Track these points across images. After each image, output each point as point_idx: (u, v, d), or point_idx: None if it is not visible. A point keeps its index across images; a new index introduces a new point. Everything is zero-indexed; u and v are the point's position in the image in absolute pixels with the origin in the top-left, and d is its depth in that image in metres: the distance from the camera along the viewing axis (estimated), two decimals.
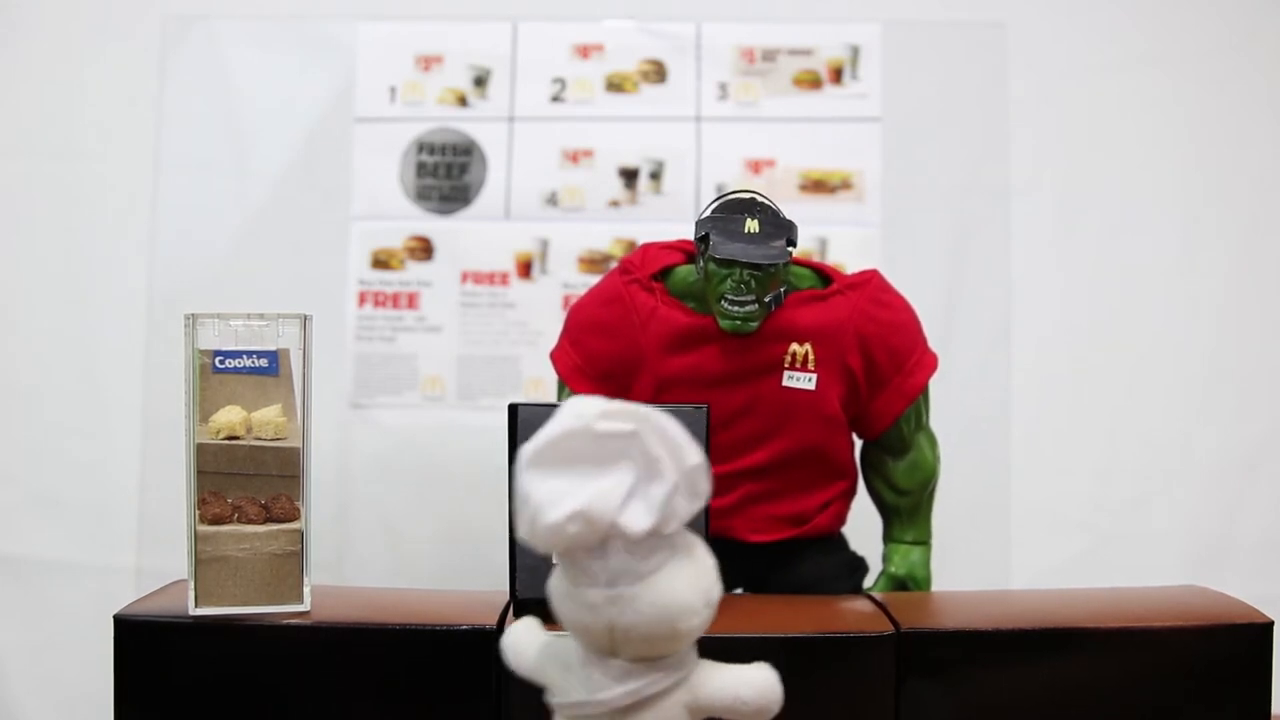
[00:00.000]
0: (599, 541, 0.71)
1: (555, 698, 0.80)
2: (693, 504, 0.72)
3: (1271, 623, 1.00)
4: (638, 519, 0.70)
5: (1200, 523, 1.74)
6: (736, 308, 1.10)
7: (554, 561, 0.81)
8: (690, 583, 0.74)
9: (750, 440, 1.15)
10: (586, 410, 0.71)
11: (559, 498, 0.70)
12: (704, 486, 0.73)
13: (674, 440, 0.71)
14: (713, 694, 0.77)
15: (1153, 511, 1.74)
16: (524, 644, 0.85)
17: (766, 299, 1.11)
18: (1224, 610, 1.03)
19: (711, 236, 1.09)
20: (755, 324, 1.11)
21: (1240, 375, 1.76)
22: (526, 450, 0.71)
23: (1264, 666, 1.00)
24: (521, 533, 0.72)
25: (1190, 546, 1.73)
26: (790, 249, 1.10)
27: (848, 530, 1.26)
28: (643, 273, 1.18)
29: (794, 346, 1.14)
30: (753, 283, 1.09)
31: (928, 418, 1.23)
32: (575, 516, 0.69)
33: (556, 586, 0.76)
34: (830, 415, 1.16)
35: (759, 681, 0.77)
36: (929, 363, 1.20)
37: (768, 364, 1.14)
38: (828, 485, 1.19)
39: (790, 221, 1.12)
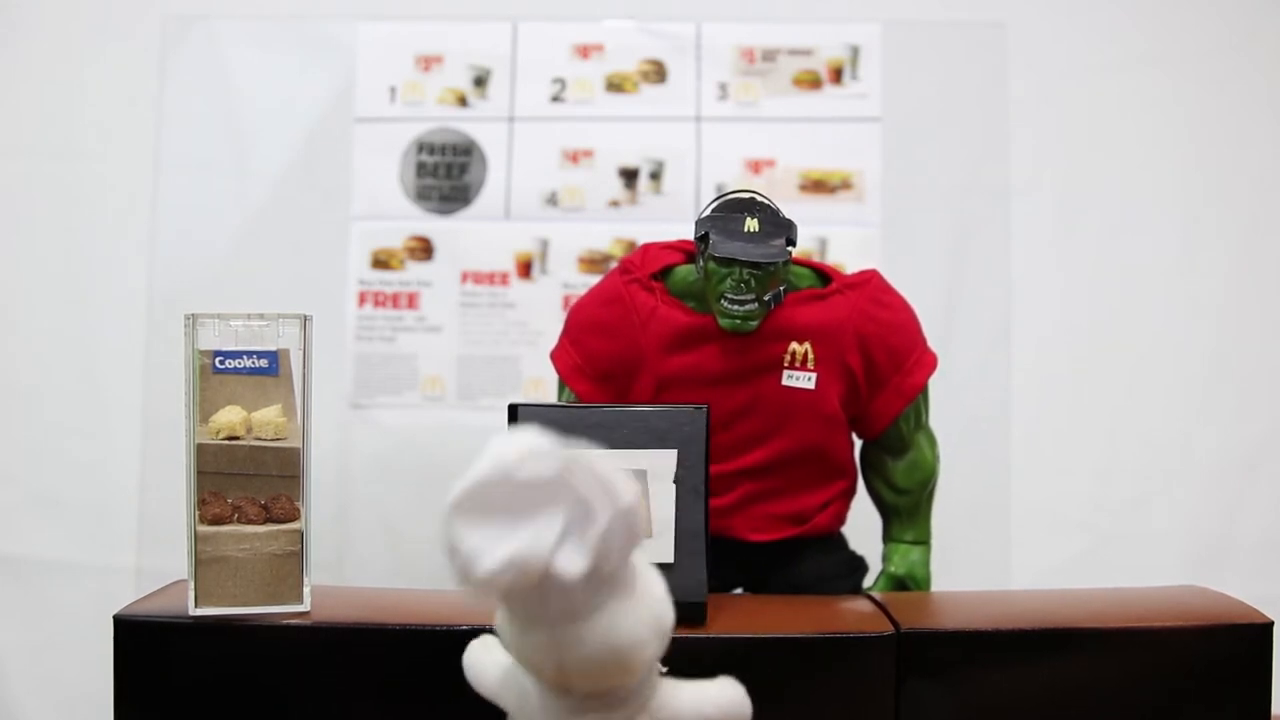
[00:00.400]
0: (535, 585, 0.68)
1: None
2: (630, 541, 0.69)
3: (1271, 623, 1.00)
4: (572, 562, 0.67)
5: (1200, 523, 1.74)
6: (736, 306, 1.10)
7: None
8: (636, 617, 0.71)
9: (750, 439, 1.15)
10: (506, 456, 0.68)
11: (489, 546, 0.66)
12: (640, 525, 0.69)
13: (605, 480, 0.68)
14: (675, 716, 0.75)
15: (1153, 511, 1.74)
16: (482, 665, 0.83)
17: (766, 298, 1.11)
18: (1224, 610, 1.03)
19: (711, 235, 1.09)
20: (755, 323, 1.11)
21: (1240, 375, 1.76)
22: (450, 498, 0.68)
23: (1264, 666, 1.00)
24: (455, 583, 0.68)
25: (1190, 546, 1.73)
26: (790, 248, 1.10)
27: (848, 530, 1.26)
28: (643, 272, 1.18)
29: (793, 345, 1.14)
30: (752, 281, 1.09)
31: (927, 417, 1.23)
32: (507, 566, 0.66)
33: (502, 625, 0.74)
34: (830, 414, 1.16)
35: (723, 699, 0.76)
36: (928, 362, 1.20)
37: (767, 363, 1.14)
38: (827, 484, 1.19)
39: (790, 220, 1.12)
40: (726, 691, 0.76)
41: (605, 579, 0.70)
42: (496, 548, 0.66)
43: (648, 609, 0.72)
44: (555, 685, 0.73)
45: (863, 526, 1.27)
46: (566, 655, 0.70)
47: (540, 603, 0.69)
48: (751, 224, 1.09)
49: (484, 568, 0.66)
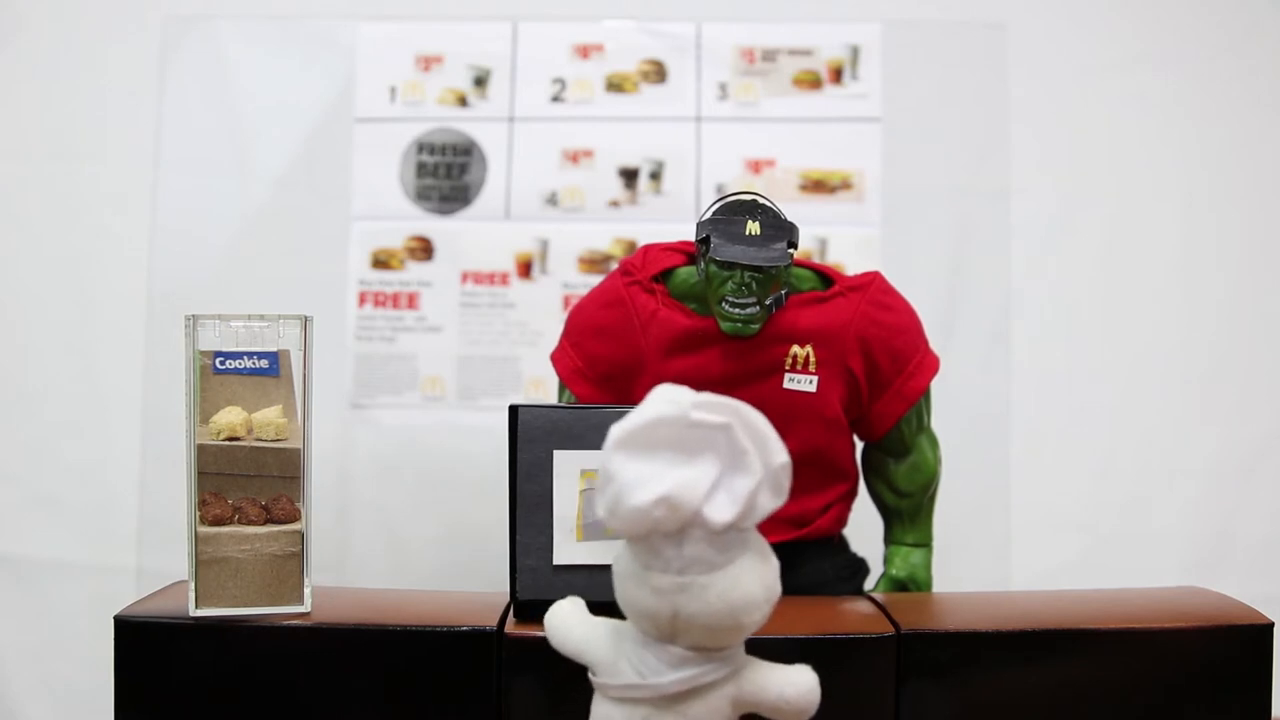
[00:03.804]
0: (678, 528, 0.72)
1: (601, 678, 0.80)
2: (775, 500, 0.73)
3: (1272, 623, 1.00)
4: (721, 510, 0.71)
5: (1200, 523, 1.74)
6: (737, 310, 1.09)
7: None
8: (758, 578, 0.75)
9: None
10: (682, 398, 0.72)
11: (646, 481, 0.70)
12: (786, 484, 0.74)
13: (763, 436, 0.72)
14: (758, 690, 0.78)
15: (1153, 511, 1.74)
16: (570, 622, 0.86)
17: (768, 301, 1.10)
18: (1224, 611, 1.03)
19: (712, 239, 1.08)
20: (756, 326, 1.11)
21: (1240, 375, 1.76)
22: (616, 430, 0.72)
23: (1264, 667, 1.00)
24: (600, 511, 0.73)
25: (1190, 546, 1.73)
26: (791, 250, 1.09)
27: (849, 531, 1.26)
28: (644, 274, 1.17)
29: (795, 349, 1.13)
30: (754, 285, 1.08)
31: (929, 419, 1.22)
32: (661, 502, 0.70)
33: (622, 568, 0.77)
34: (832, 418, 1.15)
35: (802, 683, 0.78)
36: (930, 365, 1.19)
37: (769, 366, 1.13)
38: (829, 487, 1.19)
39: (792, 224, 1.11)
40: (806, 678, 0.79)
41: (741, 534, 0.74)
42: (653, 483, 0.70)
43: (768, 573, 0.76)
44: (664, 635, 0.76)
45: (864, 527, 1.27)
46: (686, 604, 0.74)
47: (676, 546, 0.73)
48: (753, 227, 1.08)
49: (637, 500, 0.70)
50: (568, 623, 0.86)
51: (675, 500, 0.70)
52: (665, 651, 0.77)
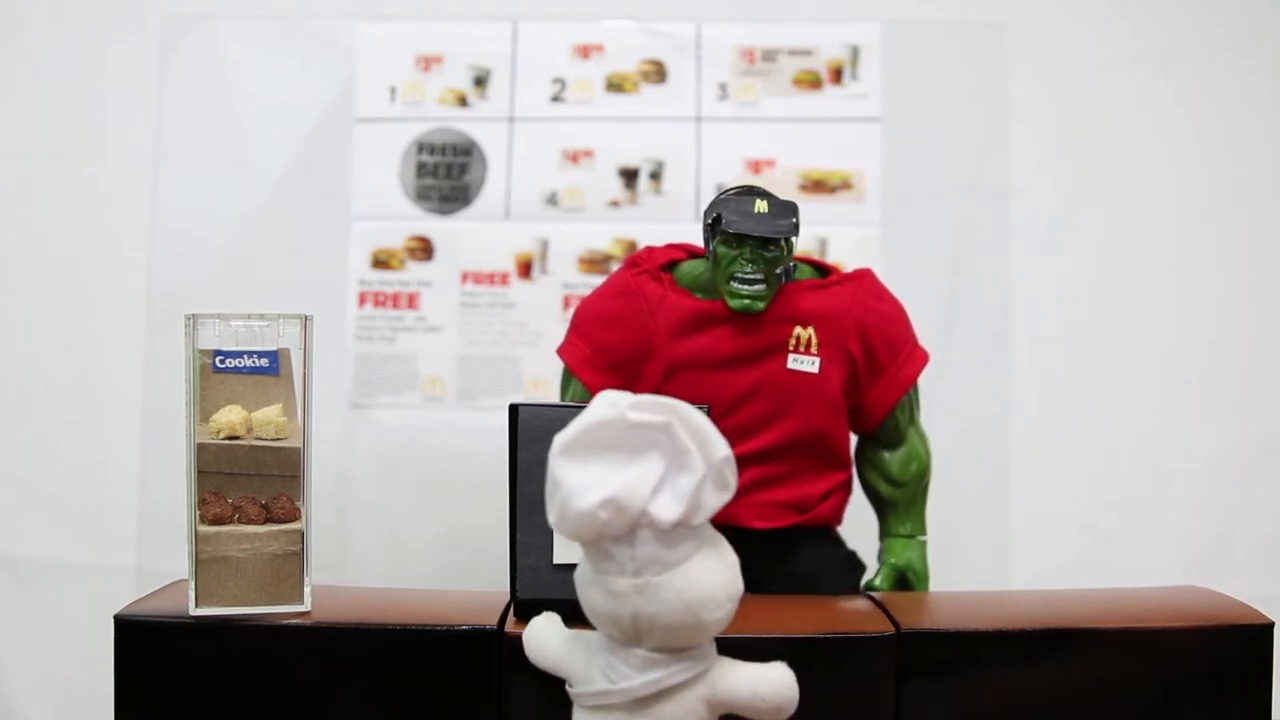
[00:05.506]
0: (627, 530, 0.72)
1: (576, 687, 0.80)
2: (720, 496, 0.74)
3: (1272, 623, 1.00)
4: (667, 509, 0.72)
5: (1200, 523, 1.74)
6: (745, 287, 1.13)
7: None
8: (715, 575, 0.75)
9: (757, 423, 1.16)
10: (620, 400, 0.73)
11: (590, 485, 0.71)
12: (731, 479, 0.74)
13: (703, 432, 0.73)
14: (731, 690, 0.78)
15: (1153, 511, 1.74)
16: (546, 636, 0.86)
17: (777, 270, 1.14)
18: (1224, 610, 1.03)
19: (724, 215, 1.12)
20: (763, 304, 1.14)
21: (1240, 375, 1.76)
22: (559, 438, 0.73)
23: (1264, 667, 1.00)
24: (551, 519, 0.73)
25: (1190, 546, 1.73)
26: (797, 225, 1.13)
27: (845, 530, 1.26)
28: (650, 264, 1.21)
29: (798, 330, 1.16)
30: (760, 261, 1.12)
31: (919, 415, 1.25)
32: (606, 504, 0.71)
33: (582, 574, 0.77)
34: (833, 400, 1.18)
35: (777, 680, 0.78)
36: (920, 356, 1.23)
37: (774, 346, 1.16)
38: (828, 473, 1.21)
39: (795, 204, 1.14)
40: (781, 675, 0.78)
41: (693, 531, 0.74)
42: (597, 487, 0.71)
43: (725, 570, 0.76)
44: (628, 638, 0.77)
45: (860, 523, 1.27)
46: (645, 605, 0.74)
47: (628, 547, 0.73)
48: (761, 205, 1.13)
49: (583, 504, 0.71)
50: (544, 636, 0.86)
51: (620, 502, 0.71)
52: (632, 655, 0.77)
